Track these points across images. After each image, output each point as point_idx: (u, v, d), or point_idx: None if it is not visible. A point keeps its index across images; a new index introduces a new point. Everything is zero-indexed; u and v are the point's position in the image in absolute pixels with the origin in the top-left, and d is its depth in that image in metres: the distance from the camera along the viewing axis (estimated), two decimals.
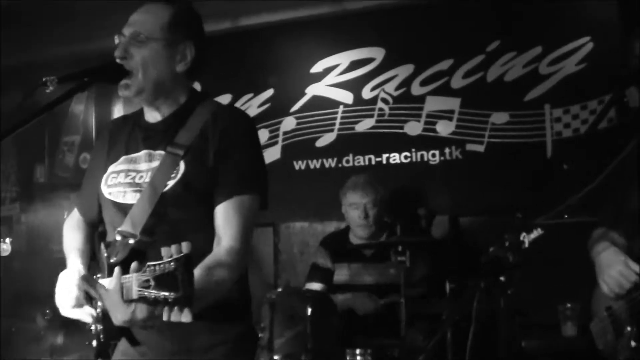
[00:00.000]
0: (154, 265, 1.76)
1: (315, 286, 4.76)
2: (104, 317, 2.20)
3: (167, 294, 1.71)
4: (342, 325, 4.10)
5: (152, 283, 1.74)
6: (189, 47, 2.37)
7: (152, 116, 2.43)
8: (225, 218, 2.23)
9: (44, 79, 2.03)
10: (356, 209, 4.74)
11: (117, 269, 1.99)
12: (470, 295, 3.21)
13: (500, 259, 3.43)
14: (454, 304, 3.78)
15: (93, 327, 2.34)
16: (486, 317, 3.43)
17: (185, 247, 1.75)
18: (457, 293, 3.94)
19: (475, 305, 3.22)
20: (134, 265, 1.93)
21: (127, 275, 1.91)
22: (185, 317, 1.75)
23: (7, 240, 4.27)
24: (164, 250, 1.76)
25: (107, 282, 2.06)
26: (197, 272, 1.95)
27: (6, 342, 5.46)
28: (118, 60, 2.28)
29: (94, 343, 2.32)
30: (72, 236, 2.57)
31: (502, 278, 3.41)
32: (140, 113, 2.51)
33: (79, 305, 2.30)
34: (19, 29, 5.66)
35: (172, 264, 1.72)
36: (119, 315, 1.96)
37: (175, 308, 1.73)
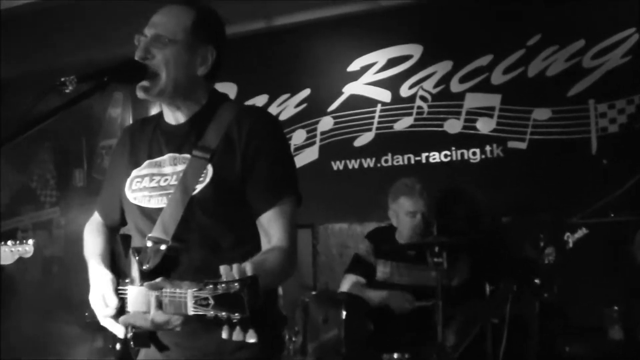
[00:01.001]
0: (214, 283, 1.71)
1: (354, 278, 4.67)
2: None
3: (231, 314, 1.68)
4: (376, 327, 4.01)
5: (211, 302, 1.70)
6: (211, 51, 2.34)
7: (174, 118, 2.40)
8: (273, 225, 2.23)
9: (62, 79, 1.97)
10: (412, 217, 4.62)
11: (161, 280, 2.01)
12: (502, 298, 3.11)
13: (534, 261, 3.32)
14: (487, 306, 3.68)
15: None
16: (521, 321, 3.33)
17: (249, 268, 1.73)
18: (495, 295, 3.83)
19: (508, 309, 3.12)
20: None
21: (180, 290, 1.88)
22: (251, 337, 1.70)
23: (30, 241, 4.27)
24: (223, 269, 1.74)
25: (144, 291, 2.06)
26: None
27: (45, 345, 5.52)
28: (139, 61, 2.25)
29: (117, 346, 2.30)
30: (93, 240, 2.55)
31: (537, 280, 3.30)
32: (160, 116, 2.48)
33: (118, 315, 2.25)
34: (24, 37, 5.72)
35: (236, 284, 1.68)
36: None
37: (238, 328, 1.68)
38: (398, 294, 4.44)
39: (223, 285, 1.70)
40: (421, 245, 4.51)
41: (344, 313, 3.90)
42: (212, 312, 1.70)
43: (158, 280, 2.02)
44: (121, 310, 2.25)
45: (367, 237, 4.90)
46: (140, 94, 2.28)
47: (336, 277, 5.32)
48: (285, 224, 2.23)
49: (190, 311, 1.78)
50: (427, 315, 4.22)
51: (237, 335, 1.69)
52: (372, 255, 4.74)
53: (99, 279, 2.32)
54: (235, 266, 1.73)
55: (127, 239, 2.45)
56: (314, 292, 4.34)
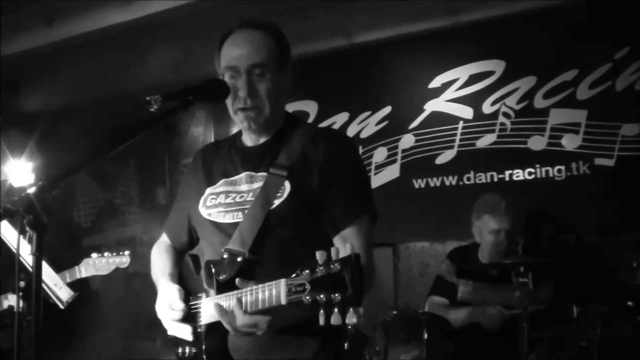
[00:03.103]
0: (311, 268, 1.71)
1: (437, 300, 4.61)
2: (207, 336, 2.21)
3: (332, 295, 1.65)
4: (458, 348, 3.93)
5: (307, 287, 1.70)
6: (290, 67, 2.38)
7: (251, 139, 2.43)
8: (353, 242, 2.14)
9: (147, 98, 1.99)
10: (496, 235, 4.52)
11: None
12: (591, 320, 2.99)
13: (626, 282, 3.18)
14: (574, 329, 3.55)
15: (187, 351, 2.32)
16: (613, 345, 3.20)
17: (349, 248, 1.70)
18: (584, 318, 3.70)
19: (598, 332, 3.00)
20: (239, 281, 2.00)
21: (270, 283, 1.88)
22: (351, 318, 1.66)
23: (126, 252, 4.38)
24: (319, 254, 1.71)
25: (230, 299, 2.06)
26: None
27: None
28: (244, 97, 2.26)
29: None
30: (162, 261, 2.59)
31: (629, 303, 3.16)
32: (234, 137, 2.53)
33: (183, 320, 2.29)
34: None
35: (337, 265, 1.66)
36: (263, 325, 1.98)
37: (336, 311, 1.65)
38: (486, 308, 4.33)
39: (321, 267, 1.68)
40: (505, 265, 4.41)
41: (426, 333, 3.83)
42: (308, 297, 1.68)
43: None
44: (193, 320, 2.28)
45: (448, 257, 4.83)
46: (245, 124, 2.32)
47: (417, 297, 5.25)
48: (364, 242, 2.24)
49: (284, 300, 1.77)
50: (511, 336, 4.11)
51: (335, 319, 1.65)
52: (453, 275, 4.65)
53: (166, 291, 2.36)
54: (333, 248, 1.70)
55: (197, 259, 2.49)
56: (395, 312, 4.27)
